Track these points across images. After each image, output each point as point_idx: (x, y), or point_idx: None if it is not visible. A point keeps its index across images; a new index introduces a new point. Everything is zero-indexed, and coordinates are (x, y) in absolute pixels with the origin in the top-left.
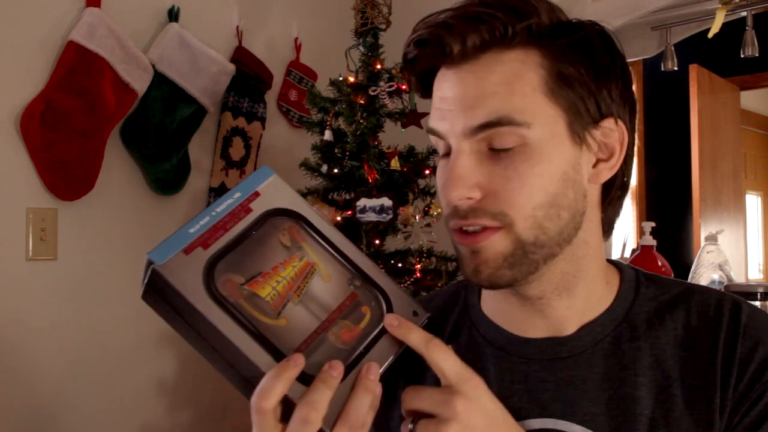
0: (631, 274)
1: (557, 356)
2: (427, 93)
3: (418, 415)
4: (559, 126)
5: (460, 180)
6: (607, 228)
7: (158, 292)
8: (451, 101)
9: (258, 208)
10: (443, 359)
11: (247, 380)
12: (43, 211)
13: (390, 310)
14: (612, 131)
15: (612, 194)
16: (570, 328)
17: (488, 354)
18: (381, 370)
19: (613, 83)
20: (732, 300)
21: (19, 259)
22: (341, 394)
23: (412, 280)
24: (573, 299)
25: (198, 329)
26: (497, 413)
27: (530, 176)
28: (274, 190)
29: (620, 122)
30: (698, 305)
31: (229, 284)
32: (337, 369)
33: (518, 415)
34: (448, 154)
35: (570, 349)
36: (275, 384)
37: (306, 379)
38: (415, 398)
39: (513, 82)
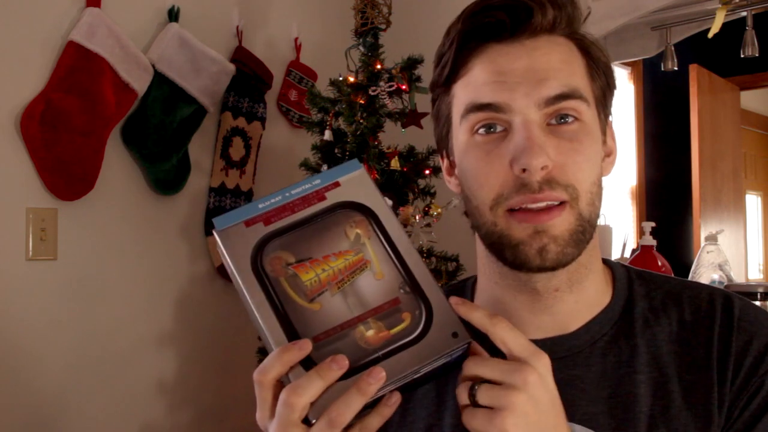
0: (623, 272)
1: (555, 356)
2: (452, 78)
3: (478, 381)
4: (596, 111)
5: (540, 148)
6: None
7: (220, 252)
8: (518, 73)
9: (333, 197)
10: (510, 335)
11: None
12: (43, 211)
13: (429, 323)
14: (613, 132)
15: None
16: (575, 324)
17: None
18: (392, 381)
19: (613, 90)
20: (723, 294)
21: (19, 259)
22: (342, 392)
23: None
24: (582, 293)
25: (240, 293)
26: (556, 395)
27: (591, 152)
28: (356, 184)
29: (612, 125)
30: (690, 300)
31: (277, 261)
32: (338, 363)
33: None
34: (490, 131)
35: (567, 349)
36: (275, 363)
37: (312, 366)
38: (480, 365)
39: (571, 63)
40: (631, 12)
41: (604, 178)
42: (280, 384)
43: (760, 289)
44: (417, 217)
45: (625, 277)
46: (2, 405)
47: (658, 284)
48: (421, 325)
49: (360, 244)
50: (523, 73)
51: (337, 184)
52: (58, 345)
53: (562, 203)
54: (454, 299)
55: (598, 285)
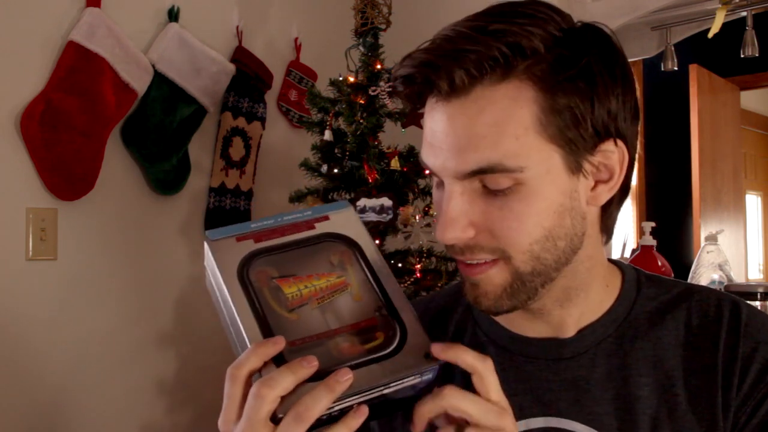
0: (633, 275)
1: (560, 356)
2: (422, 106)
3: (451, 418)
4: (554, 160)
5: (453, 222)
6: (608, 234)
7: (207, 263)
8: (442, 139)
9: (322, 228)
10: (495, 381)
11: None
12: (43, 211)
13: (402, 344)
14: (612, 153)
15: (612, 206)
16: (569, 331)
17: (492, 353)
18: (361, 391)
19: (612, 100)
20: (731, 300)
21: (19, 259)
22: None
23: (412, 280)
24: (573, 308)
25: (220, 305)
26: None
27: (526, 215)
28: (344, 220)
29: (620, 142)
30: (698, 305)
31: (262, 274)
32: (309, 362)
33: (522, 413)
34: (443, 183)
35: (573, 350)
36: (251, 357)
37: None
38: (463, 400)
39: (504, 124)
40: (631, 12)
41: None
42: (251, 380)
43: (760, 289)
44: (417, 217)
45: (634, 279)
46: (2, 405)
47: (666, 288)
48: (395, 344)
49: (342, 269)
50: (446, 140)
51: (326, 218)
52: (58, 345)
53: (494, 261)
54: (437, 347)
55: (594, 296)
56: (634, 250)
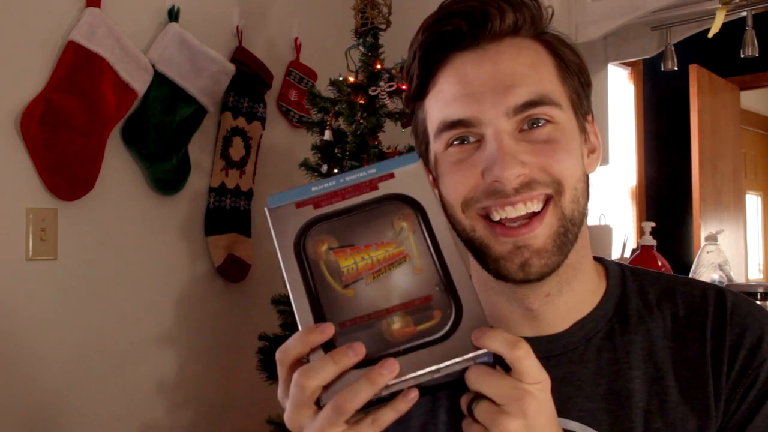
0: (616, 270)
1: (550, 354)
2: (422, 93)
3: (478, 395)
4: (570, 112)
5: (512, 157)
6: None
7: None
8: (484, 83)
9: (385, 188)
10: (526, 362)
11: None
12: (43, 211)
13: (456, 324)
14: (591, 127)
15: (589, 188)
16: (567, 323)
17: None
18: (409, 377)
19: (590, 87)
20: (716, 289)
21: (19, 259)
22: (356, 379)
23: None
24: (571, 293)
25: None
26: (555, 418)
27: (570, 149)
28: (410, 178)
29: (595, 122)
30: (684, 296)
31: (320, 244)
32: (354, 351)
33: None
34: (463, 142)
35: (563, 346)
36: (296, 343)
37: (331, 350)
38: (482, 380)
39: (539, 66)
40: (631, 12)
41: (595, 176)
42: (300, 364)
43: (760, 289)
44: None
45: (618, 274)
46: (3, 404)
47: (651, 280)
48: (449, 326)
49: (403, 237)
50: (489, 82)
51: (391, 176)
52: (58, 345)
53: (543, 208)
54: (475, 333)
55: (588, 284)
56: (634, 250)
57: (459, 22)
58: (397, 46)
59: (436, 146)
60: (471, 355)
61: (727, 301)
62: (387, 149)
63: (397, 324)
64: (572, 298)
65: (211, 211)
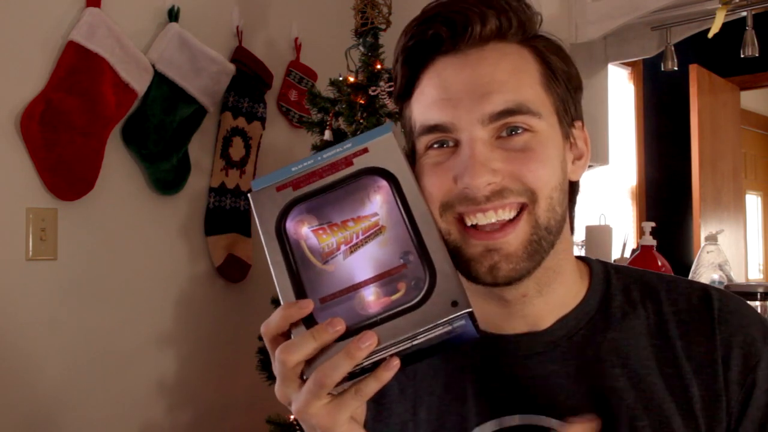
0: (600, 267)
1: (532, 352)
2: (407, 94)
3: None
4: (553, 119)
5: (483, 165)
6: (572, 228)
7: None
8: (461, 89)
9: (360, 163)
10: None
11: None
12: (43, 211)
13: (430, 291)
14: (580, 133)
15: (575, 195)
16: (547, 322)
17: (463, 353)
18: (388, 346)
19: (579, 91)
20: (701, 287)
21: (19, 259)
22: (337, 352)
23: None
24: (551, 295)
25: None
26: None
27: (546, 157)
28: (383, 149)
29: (584, 127)
30: (669, 294)
31: (300, 224)
32: (333, 326)
33: (497, 411)
34: (441, 146)
35: (545, 344)
36: (277, 318)
37: (313, 326)
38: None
39: (520, 73)
40: (631, 12)
41: (595, 176)
42: (283, 338)
43: (760, 289)
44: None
45: (602, 272)
46: (2, 404)
47: (635, 278)
48: (423, 292)
49: (378, 209)
50: (466, 88)
51: (365, 150)
52: (58, 345)
53: (517, 216)
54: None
55: (569, 285)
56: (634, 250)
57: (439, 27)
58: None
59: (417, 147)
60: (446, 318)
61: (713, 299)
62: None
63: (371, 296)
64: (552, 299)
65: (211, 211)
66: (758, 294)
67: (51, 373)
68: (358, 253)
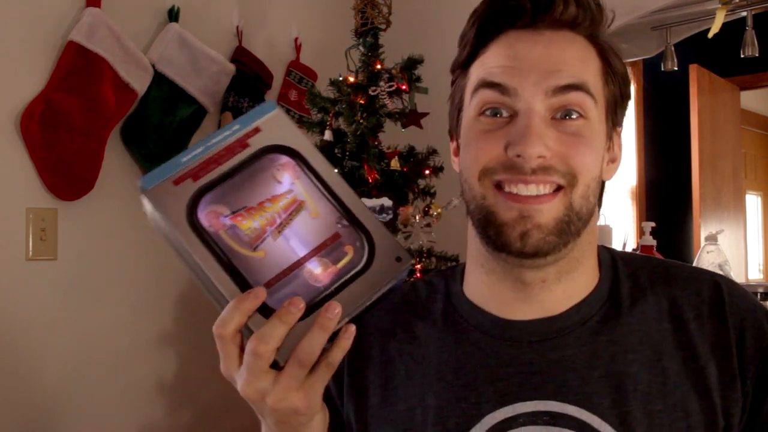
0: (607, 254)
1: (546, 337)
2: (470, 61)
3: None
4: (603, 114)
5: (539, 137)
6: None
7: (151, 216)
8: (531, 61)
9: (256, 143)
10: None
11: (219, 302)
12: (43, 211)
13: (372, 252)
14: (618, 139)
15: (601, 195)
16: (558, 309)
17: (474, 339)
18: (351, 313)
19: (628, 100)
20: (709, 273)
21: (19, 259)
22: (303, 332)
23: (411, 280)
24: (570, 283)
25: (180, 254)
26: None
27: (593, 145)
28: (275, 126)
29: (621, 135)
30: (677, 279)
31: (213, 215)
32: (296, 306)
33: (509, 398)
34: (495, 114)
35: (558, 330)
36: (233, 314)
37: (269, 312)
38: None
39: (586, 61)
40: (631, 12)
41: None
42: (240, 334)
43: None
44: (417, 217)
45: (609, 259)
46: (2, 404)
47: (641, 264)
48: (365, 255)
49: (291, 185)
50: (536, 61)
51: (257, 130)
52: (58, 345)
53: (555, 191)
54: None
55: (588, 275)
56: (634, 250)
57: (524, 1)
58: (397, 46)
59: (469, 109)
60: (397, 275)
61: (722, 284)
62: (387, 149)
63: (318, 268)
64: (571, 287)
65: None
66: (758, 294)
67: (51, 373)
68: (287, 232)
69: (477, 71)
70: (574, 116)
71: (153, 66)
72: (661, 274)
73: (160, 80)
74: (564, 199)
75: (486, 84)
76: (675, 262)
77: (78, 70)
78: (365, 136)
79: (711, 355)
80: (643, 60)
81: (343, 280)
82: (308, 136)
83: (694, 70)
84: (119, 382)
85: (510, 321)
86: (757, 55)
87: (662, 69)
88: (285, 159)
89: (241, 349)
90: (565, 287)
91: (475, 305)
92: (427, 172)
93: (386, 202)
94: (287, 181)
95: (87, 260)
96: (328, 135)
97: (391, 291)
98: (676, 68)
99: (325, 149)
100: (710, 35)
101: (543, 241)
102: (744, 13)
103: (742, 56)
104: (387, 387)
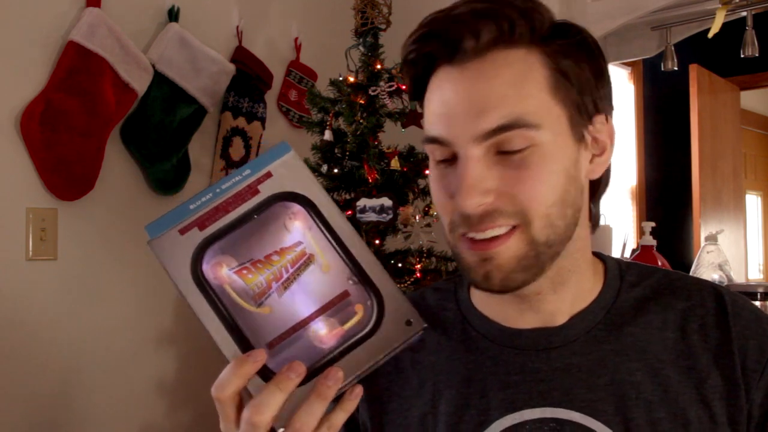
0: (614, 262)
1: (551, 345)
2: (419, 95)
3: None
4: (562, 124)
5: (473, 187)
6: (595, 222)
7: (160, 263)
8: (458, 104)
9: (267, 189)
10: None
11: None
12: (43, 211)
13: (381, 314)
14: (603, 126)
15: (600, 189)
16: (560, 319)
17: (483, 347)
18: (353, 377)
19: (605, 82)
20: (711, 284)
21: (19, 259)
22: (303, 396)
23: (412, 280)
24: (565, 292)
25: (188, 304)
26: None
27: (544, 175)
28: (288, 171)
29: (609, 119)
30: (681, 290)
31: (218, 268)
32: (296, 371)
33: (517, 405)
34: (445, 160)
35: (563, 338)
36: (231, 378)
37: (268, 375)
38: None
39: (522, 83)
40: (631, 12)
41: (593, 179)
42: (239, 396)
43: (760, 289)
44: (417, 217)
45: (616, 268)
46: (2, 405)
47: (648, 274)
48: (374, 317)
49: (301, 237)
50: (463, 105)
51: (269, 175)
52: (58, 345)
53: (513, 229)
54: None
55: (584, 282)
56: (634, 250)
57: (433, 45)
58: (397, 46)
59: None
60: (404, 340)
61: (724, 295)
62: (387, 149)
63: (323, 329)
64: (568, 296)
65: None
66: (758, 294)
67: (51, 372)
68: (294, 288)
69: (426, 116)
70: (518, 147)
71: (153, 66)
72: (666, 285)
73: (160, 80)
74: (523, 237)
75: (428, 139)
76: (680, 273)
77: (78, 70)
78: (365, 136)
79: (714, 365)
80: (643, 60)
81: (348, 344)
82: (308, 137)
83: (694, 70)
84: (119, 382)
85: (517, 330)
86: (757, 55)
87: (662, 69)
88: (297, 207)
89: (239, 410)
90: (561, 296)
91: (483, 315)
92: (427, 172)
93: (386, 202)
94: (297, 231)
95: (87, 260)
96: (328, 135)
97: (407, 349)
98: (676, 68)
99: (325, 149)
100: (710, 35)
101: (507, 280)
102: (744, 13)
103: (742, 56)
104: (401, 395)
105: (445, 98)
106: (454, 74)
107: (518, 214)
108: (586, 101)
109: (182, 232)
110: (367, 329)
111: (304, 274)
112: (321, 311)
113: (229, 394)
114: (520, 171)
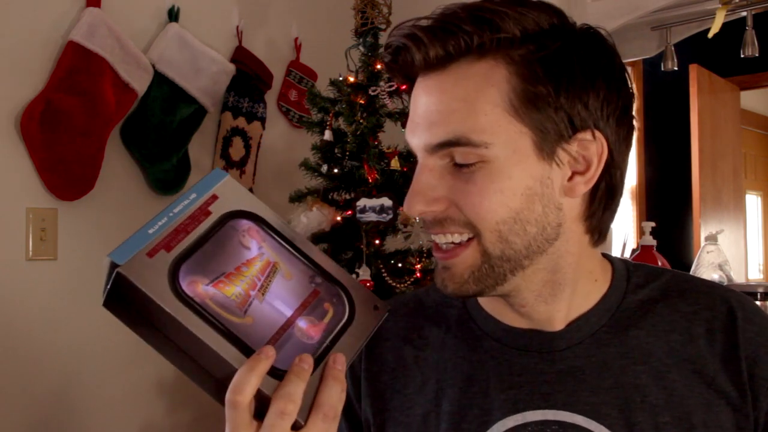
0: (621, 265)
1: (554, 348)
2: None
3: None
4: (523, 142)
5: (418, 195)
6: (598, 234)
7: (124, 295)
8: (420, 114)
9: (217, 210)
10: None
11: (219, 381)
12: (43, 211)
13: (351, 304)
14: (590, 143)
15: (595, 203)
16: (558, 325)
17: (487, 347)
18: (349, 361)
19: (591, 94)
20: (719, 286)
21: (19, 259)
22: (311, 387)
23: (412, 280)
24: (557, 303)
25: (166, 332)
26: None
27: (490, 191)
28: (230, 192)
29: (598, 133)
30: (688, 292)
31: (195, 285)
32: (307, 362)
33: (519, 407)
34: None
35: (567, 341)
36: (249, 377)
37: (276, 373)
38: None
39: (474, 99)
40: (631, 12)
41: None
42: (253, 402)
43: (760, 289)
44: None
45: (623, 269)
46: (2, 405)
47: (655, 276)
48: (347, 308)
49: (259, 249)
50: (422, 115)
51: (215, 197)
52: (58, 345)
53: (470, 240)
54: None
55: (581, 291)
56: (634, 250)
57: (389, 59)
58: None
59: None
60: (378, 323)
61: (735, 300)
62: (387, 149)
63: (306, 326)
64: (563, 306)
65: None
66: (758, 294)
67: (51, 372)
68: (270, 293)
69: None
70: (466, 162)
71: (153, 66)
72: (674, 288)
73: (160, 80)
74: (478, 248)
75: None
76: (688, 275)
77: (78, 70)
78: (365, 136)
79: (721, 370)
80: (643, 60)
81: (335, 333)
82: (308, 137)
83: (694, 70)
84: (119, 382)
85: (521, 330)
86: (757, 55)
87: (662, 69)
88: (248, 224)
89: (253, 417)
90: (556, 307)
91: (489, 314)
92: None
93: (386, 202)
94: (254, 245)
95: (87, 260)
96: (328, 135)
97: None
98: (676, 68)
99: (325, 149)
100: (710, 35)
101: (460, 289)
102: (744, 13)
103: (742, 56)
104: (404, 392)
105: (414, 106)
106: (423, 83)
107: (468, 225)
108: (559, 122)
109: (150, 255)
110: (345, 318)
111: (275, 280)
112: (299, 311)
113: (249, 395)
114: (468, 185)
